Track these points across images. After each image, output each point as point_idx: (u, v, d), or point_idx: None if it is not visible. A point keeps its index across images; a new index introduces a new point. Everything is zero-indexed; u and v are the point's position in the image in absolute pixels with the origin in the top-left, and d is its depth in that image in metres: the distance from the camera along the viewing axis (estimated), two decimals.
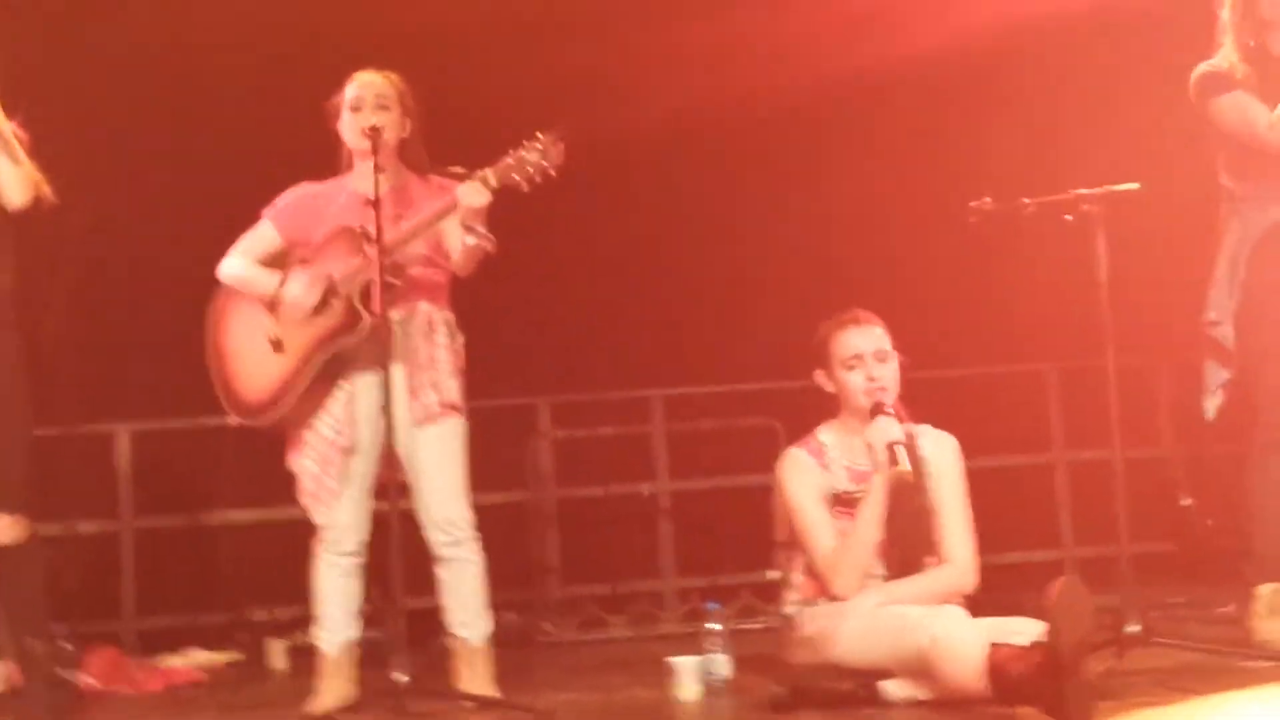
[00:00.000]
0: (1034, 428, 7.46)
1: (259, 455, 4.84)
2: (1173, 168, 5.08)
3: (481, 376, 4.85)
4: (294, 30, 6.43)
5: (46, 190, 4.59)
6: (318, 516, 4.63)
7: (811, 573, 4.39)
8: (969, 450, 4.61)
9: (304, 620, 4.79)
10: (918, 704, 4.02)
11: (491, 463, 5.40)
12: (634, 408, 7.29)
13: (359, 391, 4.61)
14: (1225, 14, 4.73)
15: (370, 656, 4.73)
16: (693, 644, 4.78)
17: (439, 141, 4.74)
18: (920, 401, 4.55)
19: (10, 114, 4.61)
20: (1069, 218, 4.47)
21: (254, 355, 4.66)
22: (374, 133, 4.53)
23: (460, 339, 4.71)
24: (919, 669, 3.97)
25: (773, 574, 4.76)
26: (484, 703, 4.55)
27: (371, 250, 4.43)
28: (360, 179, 4.62)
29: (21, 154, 4.53)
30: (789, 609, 4.51)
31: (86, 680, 5.69)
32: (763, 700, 4.26)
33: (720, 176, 7.27)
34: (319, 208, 4.72)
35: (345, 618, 4.68)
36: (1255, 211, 4.69)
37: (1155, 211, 4.66)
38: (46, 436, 4.99)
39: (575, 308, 7.31)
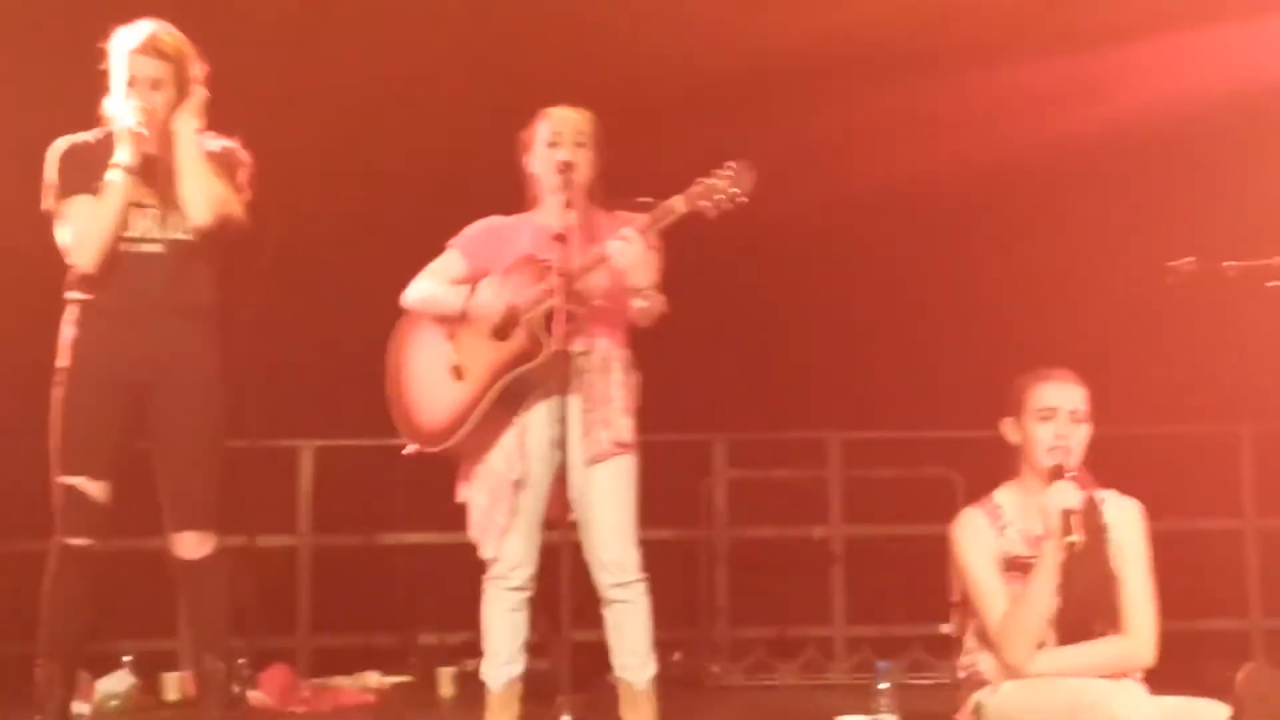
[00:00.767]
0: (1225, 493, 7.23)
1: (438, 477, 4.86)
2: None
3: (660, 412, 4.82)
4: (491, 65, 6.50)
5: (236, 211, 4.69)
6: (486, 551, 4.64)
7: (983, 636, 4.28)
8: (1157, 511, 4.45)
9: (474, 646, 4.79)
10: None
11: (665, 499, 5.38)
12: (811, 450, 7.22)
13: (531, 424, 4.61)
14: None
15: (537, 689, 4.72)
16: (859, 696, 4.69)
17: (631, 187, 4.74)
18: (1111, 459, 4.41)
19: (229, 134, 4.74)
20: (1272, 284, 4.30)
21: (433, 382, 4.69)
22: (567, 168, 4.54)
23: (636, 377, 4.69)
24: None
25: (947, 628, 4.65)
26: None
27: (555, 279, 4.44)
28: (548, 213, 4.64)
29: (206, 173, 4.60)
30: (962, 671, 4.40)
31: (260, 699, 5.80)
32: None
33: (915, 228, 7.19)
34: (506, 239, 4.74)
35: (511, 653, 4.68)
36: None
37: None
38: (232, 449, 5.08)
39: (758, 346, 7.29)
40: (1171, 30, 6.30)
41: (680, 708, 5.01)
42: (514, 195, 4.81)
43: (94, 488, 4.55)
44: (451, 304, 4.70)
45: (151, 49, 4.60)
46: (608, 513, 4.58)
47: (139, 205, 4.60)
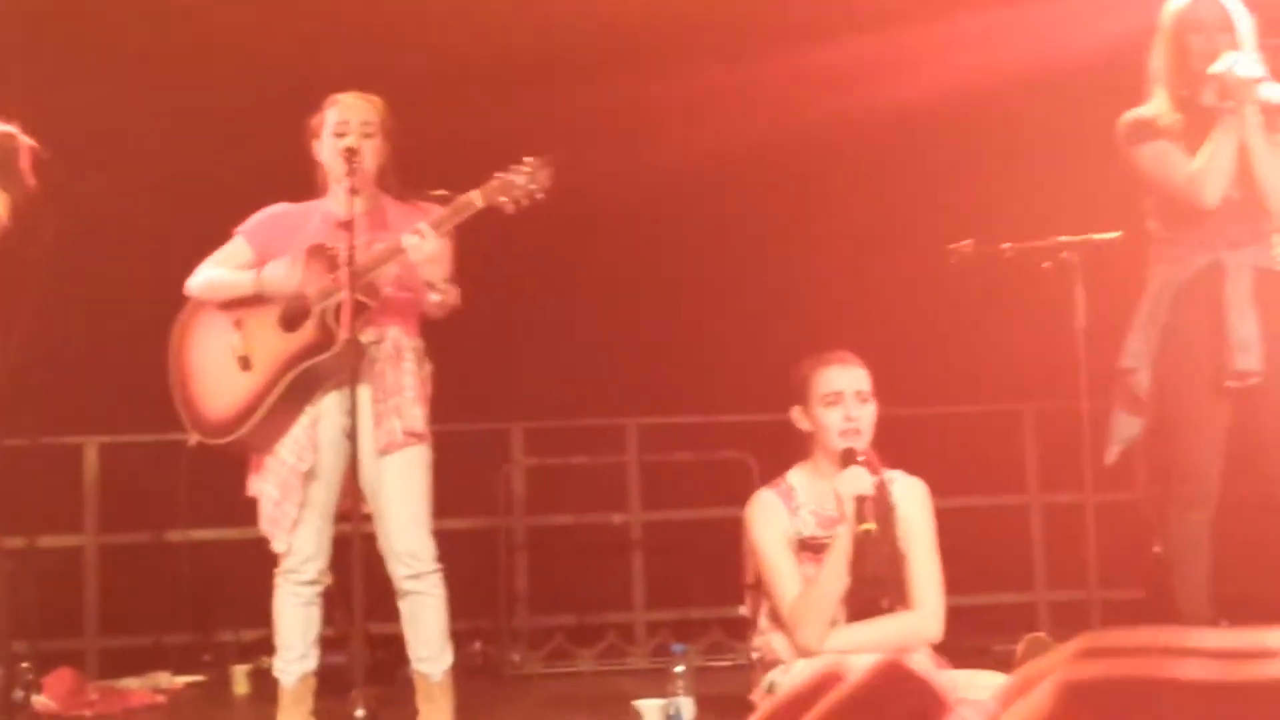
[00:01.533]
0: (1009, 469, 7.43)
1: (229, 471, 4.76)
2: None
3: (456, 400, 4.80)
4: (277, 50, 6.37)
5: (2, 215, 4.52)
6: (277, 544, 4.56)
7: (776, 617, 4.33)
8: (943, 490, 4.55)
9: (270, 642, 4.72)
10: None
11: (462, 488, 5.35)
12: (608, 436, 7.24)
13: (322, 415, 4.55)
14: (1156, 63, 4.67)
15: (332, 683, 4.66)
16: (660, 680, 4.72)
17: (427, 171, 4.69)
18: (896, 439, 4.49)
19: (7, 118, 4.56)
20: (1047, 265, 4.43)
21: (219, 373, 4.60)
22: (351, 154, 4.48)
23: (428, 367, 4.65)
24: None
25: (743, 610, 4.70)
26: None
27: (344, 270, 4.38)
28: (336, 201, 4.57)
29: None
30: (755, 652, 4.45)
31: (45, 704, 5.61)
32: None
33: (702, 212, 7.23)
34: (293, 227, 4.66)
35: (304, 648, 4.60)
36: (1179, 259, 4.59)
37: (1138, 259, 4.63)
38: (12, 448, 4.91)
39: (553, 334, 7.26)
40: (959, 11, 6.44)
41: (480, 698, 4.99)
42: (302, 183, 4.73)
43: None
44: (241, 285, 4.60)
45: None
46: (401, 503, 4.53)
47: None
